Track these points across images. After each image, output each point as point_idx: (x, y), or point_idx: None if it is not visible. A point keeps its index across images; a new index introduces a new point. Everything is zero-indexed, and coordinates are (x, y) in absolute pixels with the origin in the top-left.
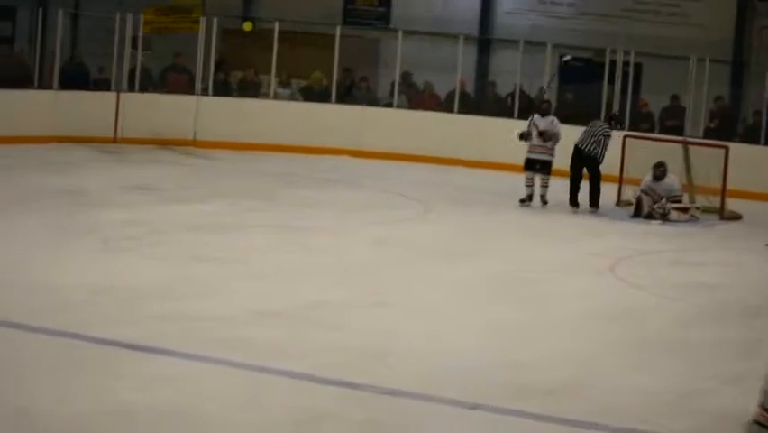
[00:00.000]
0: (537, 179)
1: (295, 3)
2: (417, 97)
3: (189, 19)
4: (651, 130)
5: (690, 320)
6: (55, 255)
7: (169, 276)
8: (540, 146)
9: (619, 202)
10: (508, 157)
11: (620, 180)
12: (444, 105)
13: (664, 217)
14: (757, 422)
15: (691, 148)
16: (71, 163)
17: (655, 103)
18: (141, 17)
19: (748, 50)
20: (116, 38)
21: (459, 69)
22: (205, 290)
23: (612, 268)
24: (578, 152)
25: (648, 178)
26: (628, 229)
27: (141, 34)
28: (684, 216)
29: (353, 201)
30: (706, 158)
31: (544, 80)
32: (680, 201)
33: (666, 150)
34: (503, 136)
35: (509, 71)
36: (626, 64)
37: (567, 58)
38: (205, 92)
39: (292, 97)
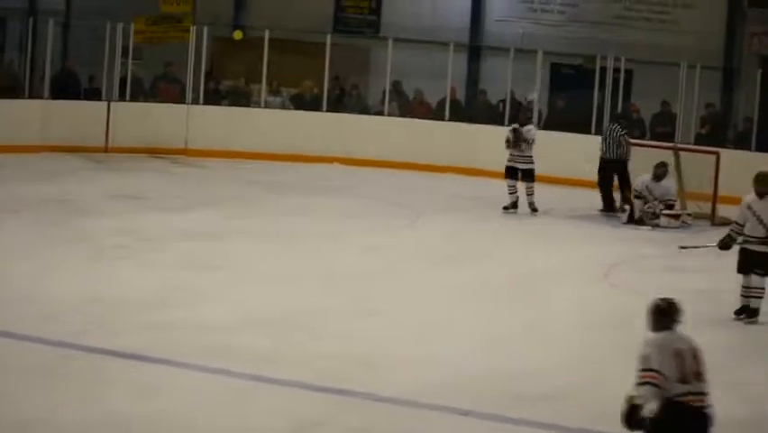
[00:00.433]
0: (522, 187)
1: (285, 11)
2: (408, 105)
3: (180, 28)
4: (642, 136)
5: (685, 326)
6: (45, 264)
7: (160, 284)
8: (520, 155)
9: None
10: (499, 164)
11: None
12: (435, 113)
13: (655, 218)
14: (648, 383)
15: (682, 154)
16: (62, 172)
17: (646, 109)
18: (132, 26)
19: (739, 57)
20: (107, 47)
21: (449, 76)
22: (196, 299)
23: (606, 274)
24: (605, 162)
25: (647, 177)
26: (621, 235)
27: (131, 44)
28: (675, 223)
29: (344, 209)
30: (697, 164)
31: (535, 88)
32: (672, 206)
33: (657, 156)
34: (494, 144)
35: (500, 79)
36: (616, 71)
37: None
38: (195, 101)
39: (283, 106)
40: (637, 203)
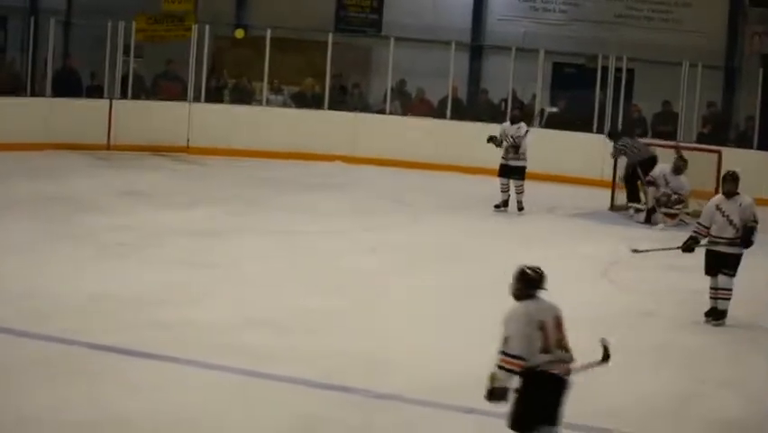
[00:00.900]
0: (512, 185)
1: (286, 10)
2: (409, 104)
3: (181, 27)
4: (643, 135)
5: (684, 325)
6: (47, 261)
7: (162, 282)
8: (513, 152)
9: (612, 207)
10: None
11: (613, 186)
12: (437, 112)
13: (669, 204)
14: (502, 368)
15: (684, 153)
16: (64, 170)
17: (648, 109)
18: (134, 25)
19: (740, 56)
20: (108, 46)
21: (451, 75)
22: (198, 296)
23: (605, 273)
24: (634, 168)
25: (666, 168)
26: (619, 233)
27: (133, 42)
28: (672, 222)
29: (346, 207)
30: (699, 163)
31: (537, 87)
32: (683, 201)
33: (659, 155)
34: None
35: (502, 78)
36: (618, 70)
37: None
38: (197, 99)
39: (284, 104)
40: (650, 190)
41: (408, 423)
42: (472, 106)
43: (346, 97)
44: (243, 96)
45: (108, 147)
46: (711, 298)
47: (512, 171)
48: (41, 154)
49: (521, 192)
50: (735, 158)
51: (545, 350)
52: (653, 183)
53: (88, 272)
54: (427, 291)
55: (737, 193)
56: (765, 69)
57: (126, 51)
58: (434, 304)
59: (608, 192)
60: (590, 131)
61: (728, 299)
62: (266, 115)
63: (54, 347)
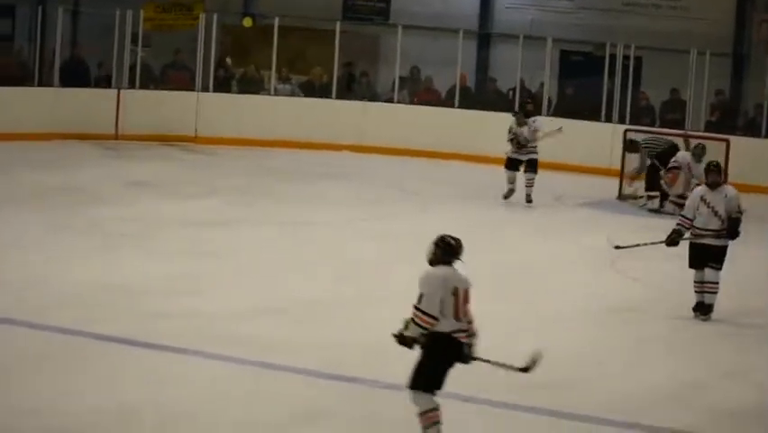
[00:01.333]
0: (522, 177)
1: None
2: (417, 92)
3: (189, 16)
4: (651, 124)
5: (691, 315)
6: (54, 252)
7: (169, 272)
8: (527, 146)
9: (620, 196)
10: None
11: (621, 174)
12: (445, 100)
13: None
14: (414, 322)
15: (692, 141)
16: (72, 160)
17: (656, 96)
18: (141, 14)
19: (748, 43)
20: (116, 35)
21: (459, 63)
22: (205, 286)
23: (612, 262)
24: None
25: (687, 155)
26: (627, 223)
27: (141, 31)
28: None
29: (354, 196)
30: (707, 151)
31: (545, 75)
32: None
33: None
34: (504, 131)
35: (509, 66)
36: (626, 58)
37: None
38: (205, 88)
39: (292, 93)
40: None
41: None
42: (481, 95)
43: (354, 86)
44: (251, 86)
45: (116, 137)
46: (697, 292)
47: (525, 164)
48: (49, 144)
49: (531, 185)
50: (743, 146)
51: (455, 317)
52: (678, 168)
53: (96, 263)
54: None
55: (721, 184)
56: None
57: (134, 41)
58: None
59: (615, 181)
60: (598, 119)
61: (715, 292)
62: (274, 105)
63: (57, 338)
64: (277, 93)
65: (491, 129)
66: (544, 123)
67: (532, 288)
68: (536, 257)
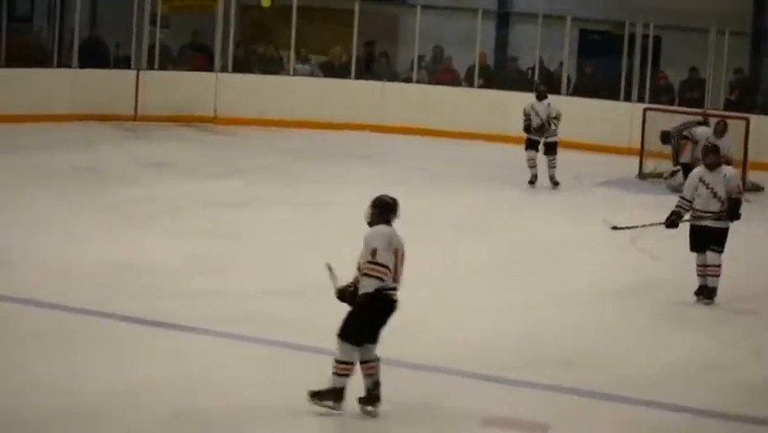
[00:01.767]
0: (544, 160)
1: None
2: (436, 72)
3: None
4: (670, 103)
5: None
6: (74, 232)
7: (189, 252)
8: (545, 130)
9: (641, 175)
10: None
11: (641, 153)
12: (466, 80)
13: None
14: (369, 275)
15: (712, 120)
16: (91, 141)
17: (675, 76)
18: None
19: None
20: (135, 16)
21: (478, 43)
22: (225, 266)
23: (634, 241)
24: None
25: (708, 131)
26: (649, 202)
27: (159, 12)
28: None
29: (373, 176)
30: (728, 128)
31: (564, 55)
32: (730, 164)
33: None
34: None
35: (528, 45)
36: (645, 37)
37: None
38: (224, 69)
39: (312, 73)
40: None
41: (435, 391)
42: (500, 74)
43: (373, 66)
44: (270, 66)
45: (135, 118)
46: (699, 275)
47: (545, 148)
48: (68, 125)
49: (554, 167)
50: (763, 124)
51: (394, 277)
52: (688, 139)
53: (114, 243)
54: (455, 260)
55: (720, 165)
56: None
57: (153, 21)
58: (461, 272)
59: (635, 160)
60: (617, 98)
61: (718, 275)
62: (293, 85)
63: (75, 317)
64: (296, 73)
65: (512, 108)
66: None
67: (550, 266)
68: (556, 236)
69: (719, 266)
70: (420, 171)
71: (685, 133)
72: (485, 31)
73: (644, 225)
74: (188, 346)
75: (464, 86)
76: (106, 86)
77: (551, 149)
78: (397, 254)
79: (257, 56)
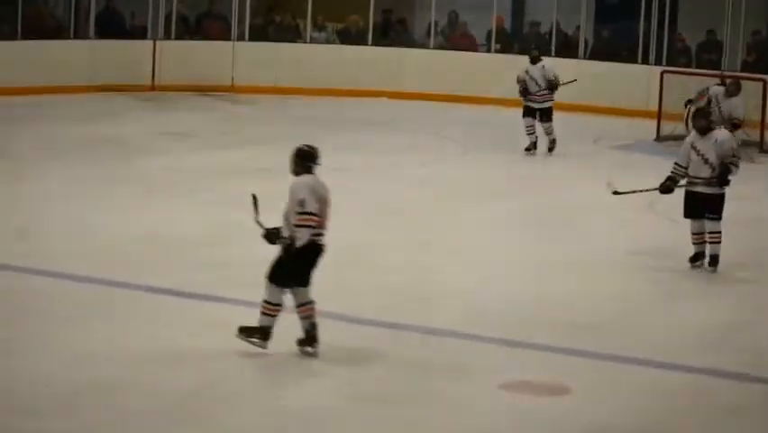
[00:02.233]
0: (540, 126)
1: None
2: (453, 37)
3: None
4: (688, 65)
5: (731, 256)
6: (98, 204)
7: (213, 222)
8: (539, 94)
9: (658, 138)
10: None
11: (659, 116)
12: (483, 45)
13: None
14: (301, 226)
15: (729, 82)
16: (110, 112)
17: (692, 38)
18: None
19: None
20: None
21: (495, 7)
22: (249, 235)
23: (651, 204)
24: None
25: (719, 90)
26: (665, 165)
27: None
28: None
29: (393, 143)
30: (744, 92)
31: (581, 18)
32: (738, 126)
33: (703, 84)
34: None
35: (544, 9)
36: None
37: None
38: (241, 37)
39: (328, 41)
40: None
41: (459, 357)
42: (517, 39)
43: (390, 33)
44: (287, 34)
45: (153, 88)
46: (694, 243)
47: (541, 113)
48: (86, 97)
49: (551, 133)
50: None
51: (320, 223)
52: (703, 96)
53: (137, 214)
54: (476, 226)
55: (711, 129)
56: None
57: None
58: (483, 239)
59: (653, 123)
60: (635, 61)
61: (719, 242)
62: (310, 53)
63: (109, 290)
64: (312, 41)
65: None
66: (555, 67)
67: (569, 230)
68: (574, 199)
69: (719, 233)
70: (439, 138)
71: (701, 90)
72: None
73: (641, 190)
74: (212, 314)
75: (481, 51)
76: (123, 56)
77: (546, 115)
78: (324, 202)
79: (274, 24)
